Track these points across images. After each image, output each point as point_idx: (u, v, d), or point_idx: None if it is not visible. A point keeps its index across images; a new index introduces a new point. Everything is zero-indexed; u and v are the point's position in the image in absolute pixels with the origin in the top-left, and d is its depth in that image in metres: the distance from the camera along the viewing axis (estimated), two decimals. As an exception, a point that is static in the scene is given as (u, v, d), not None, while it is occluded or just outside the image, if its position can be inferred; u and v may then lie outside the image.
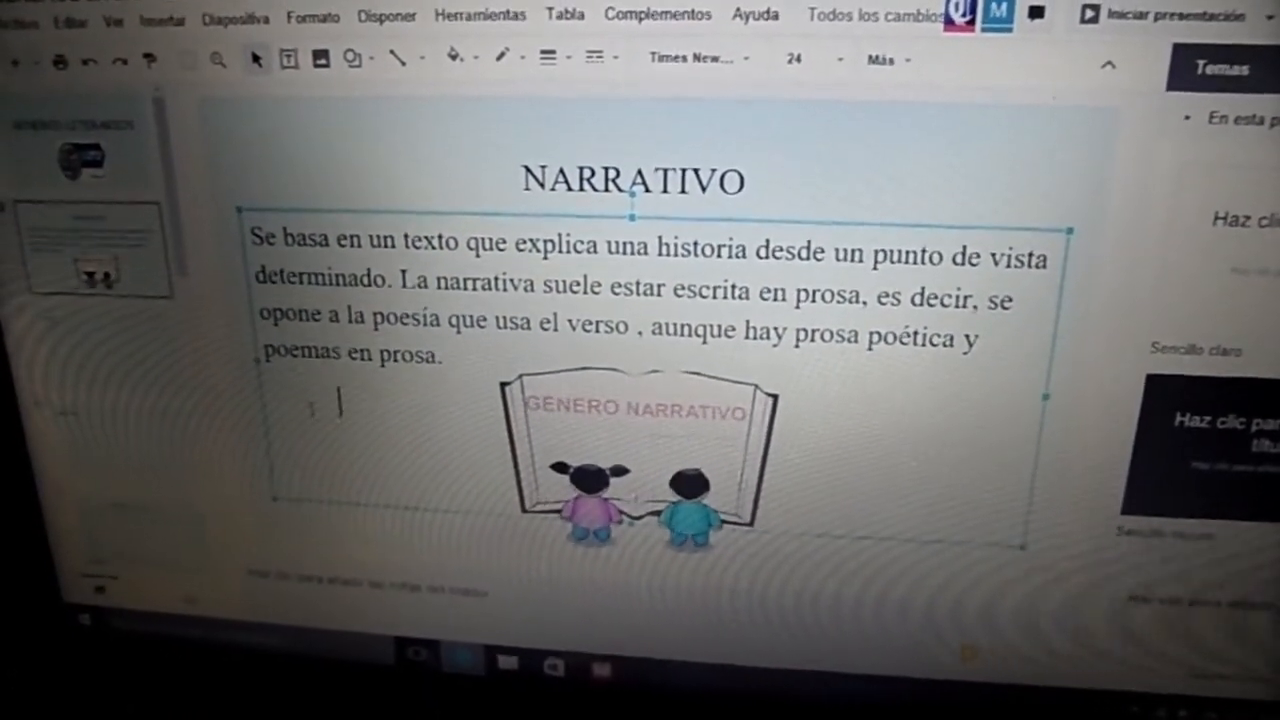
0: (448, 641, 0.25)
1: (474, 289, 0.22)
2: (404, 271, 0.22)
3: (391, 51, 0.20)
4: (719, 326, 0.21)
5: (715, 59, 0.19)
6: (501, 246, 0.21)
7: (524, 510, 0.23)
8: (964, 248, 0.20)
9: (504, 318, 0.22)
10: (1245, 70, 0.18)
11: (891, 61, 0.19)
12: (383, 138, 0.21)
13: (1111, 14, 0.18)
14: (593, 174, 0.20)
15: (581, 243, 0.21)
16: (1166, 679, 0.23)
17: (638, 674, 0.25)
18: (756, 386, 0.22)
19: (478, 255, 0.21)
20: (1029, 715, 0.23)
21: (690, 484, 0.23)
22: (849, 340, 0.21)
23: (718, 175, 0.20)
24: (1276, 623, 0.22)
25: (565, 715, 0.25)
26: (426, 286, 0.22)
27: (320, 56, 0.20)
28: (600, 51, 0.20)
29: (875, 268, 0.20)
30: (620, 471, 0.23)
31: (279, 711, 0.26)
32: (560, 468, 0.23)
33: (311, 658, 0.26)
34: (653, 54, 0.19)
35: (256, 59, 0.21)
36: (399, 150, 0.21)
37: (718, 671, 0.24)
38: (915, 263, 0.20)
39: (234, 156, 0.21)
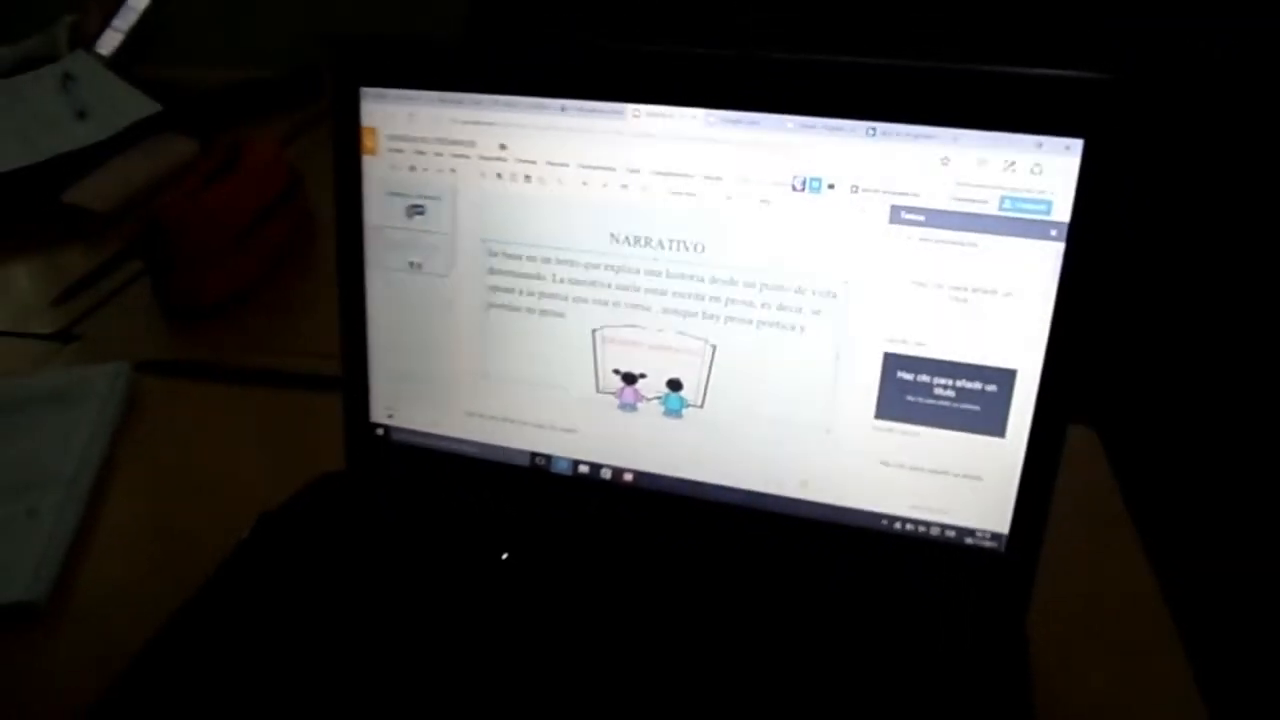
0: (555, 455, 0.51)
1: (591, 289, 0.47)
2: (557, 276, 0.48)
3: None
4: (690, 313, 0.46)
5: (697, 191, 0.44)
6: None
7: (597, 392, 0.49)
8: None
9: (598, 301, 0.47)
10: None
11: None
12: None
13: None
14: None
15: (629, 277, 0.46)
16: (897, 504, 0.46)
17: (643, 479, 0.49)
18: (704, 340, 0.46)
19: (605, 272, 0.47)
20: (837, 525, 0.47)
21: (674, 385, 0.47)
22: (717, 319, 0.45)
23: (696, 242, 0.45)
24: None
25: (608, 498, 0.50)
26: (562, 281, 0.47)
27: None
28: (647, 184, 0.45)
29: (765, 290, 0.45)
30: (643, 377, 0.48)
31: (477, 481, 0.52)
32: (615, 372, 0.48)
33: (491, 459, 0.52)
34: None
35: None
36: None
37: (679, 481, 0.49)
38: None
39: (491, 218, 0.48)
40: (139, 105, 1.10)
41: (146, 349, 0.74)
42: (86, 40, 1.28)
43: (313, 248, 0.90)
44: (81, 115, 1.09)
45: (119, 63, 1.21)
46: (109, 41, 1.25)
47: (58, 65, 1.19)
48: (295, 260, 0.88)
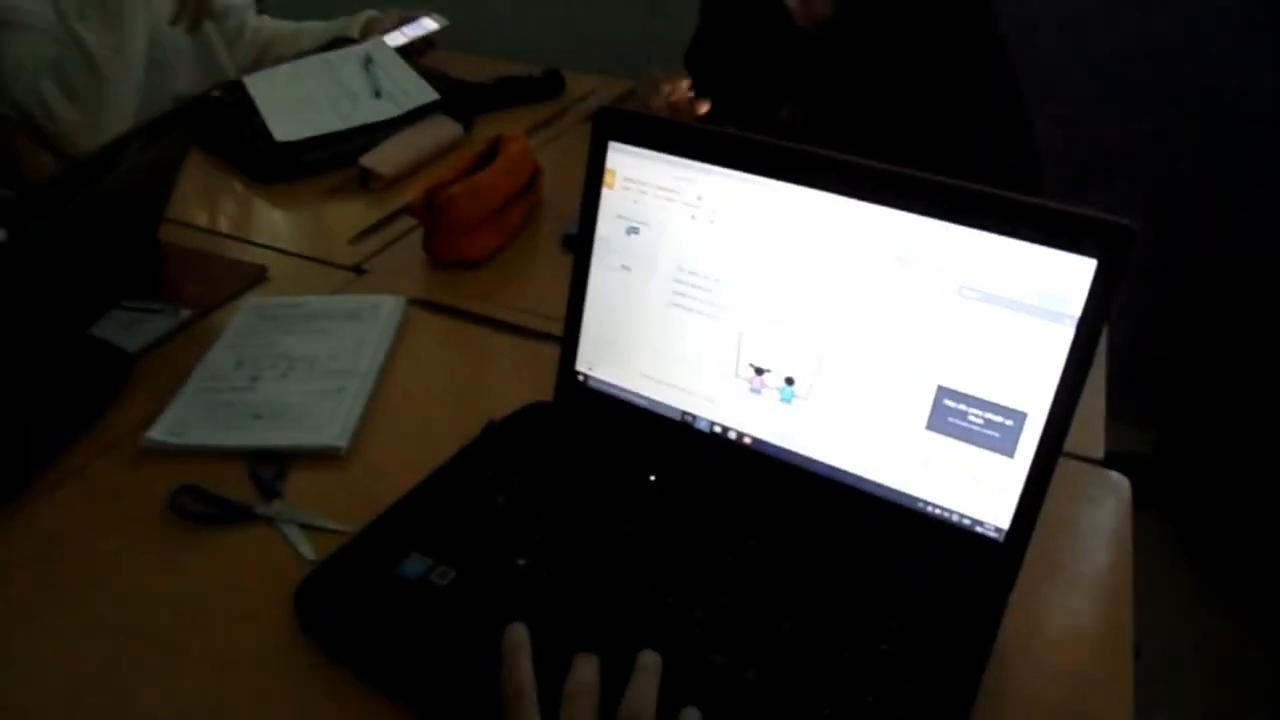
0: (699, 416, 0.71)
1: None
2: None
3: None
4: (808, 334, 0.66)
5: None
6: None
7: (735, 376, 0.69)
8: (890, 327, 0.63)
9: (745, 313, 0.68)
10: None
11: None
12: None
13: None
14: (783, 274, 0.66)
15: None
16: (931, 493, 0.64)
17: (757, 443, 0.70)
18: (815, 355, 0.66)
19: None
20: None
21: (789, 381, 0.67)
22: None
23: (820, 285, 0.64)
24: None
25: (730, 453, 0.71)
26: (723, 295, 0.68)
27: (712, 219, 0.67)
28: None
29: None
30: (769, 371, 0.68)
31: (641, 425, 0.74)
32: (750, 365, 0.68)
33: (654, 411, 0.73)
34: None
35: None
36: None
37: (781, 449, 0.69)
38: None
39: (678, 241, 0.69)
40: (422, 91, 1.37)
41: (415, 288, 1.00)
42: (378, 31, 1.57)
43: (541, 226, 1.14)
44: (378, 94, 1.38)
45: (401, 52, 1.49)
46: (393, 40, 1.54)
47: (361, 48, 1.49)
48: (528, 235, 1.12)
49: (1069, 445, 0.59)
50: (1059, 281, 0.58)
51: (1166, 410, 2.08)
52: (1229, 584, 1.87)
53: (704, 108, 1.21)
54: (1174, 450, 2.07)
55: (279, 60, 1.54)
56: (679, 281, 0.70)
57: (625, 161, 0.70)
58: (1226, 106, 1.86)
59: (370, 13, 1.65)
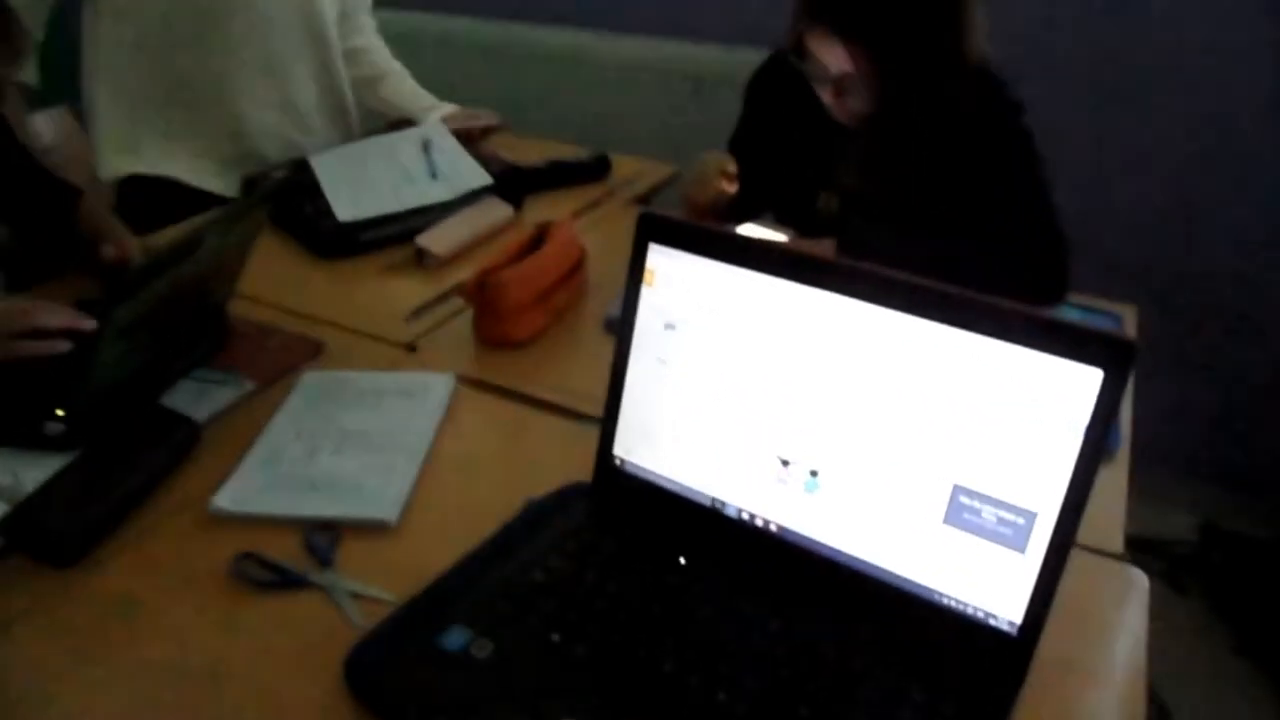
0: (728, 503, 0.76)
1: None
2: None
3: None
4: (831, 435, 0.70)
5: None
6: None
7: (763, 466, 0.73)
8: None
9: (774, 410, 0.72)
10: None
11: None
12: (754, 346, 0.72)
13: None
14: (809, 373, 0.70)
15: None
16: (946, 584, 0.67)
17: (781, 530, 0.73)
18: (838, 453, 0.70)
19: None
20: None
21: (814, 473, 0.71)
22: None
23: (844, 384, 0.69)
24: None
25: (755, 538, 0.74)
26: (755, 393, 0.73)
27: (744, 319, 0.72)
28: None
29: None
30: (794, 463, 0.72)
31: (673, 509, 0.78)
32: (777, 457, 0.72)
33: (685, 496, 0.77)
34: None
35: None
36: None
37: (804, 537, 0.72)
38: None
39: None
40: (476, 176, 1.45)
41: (464, 365, 1.06)
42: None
43: (586, 307, 1.20)
44: (434, 176, 1.46)
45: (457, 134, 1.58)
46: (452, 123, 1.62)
47: (419, 131, 1.57)
48: (573, 316, 1.18)
49: (1088, 539, 0.62)
50: (1069, 390, 0.62)
51: (1214, 496, 2.07)
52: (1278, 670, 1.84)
53: (732, 188, 1.28)
54: (1221, 536, 2.05)
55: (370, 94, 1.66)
56: (713, 377, 0.74)
57: (665, 262, 0.75)
58: None
59: (447, 110, 1.72)
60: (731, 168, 1.29)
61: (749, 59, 1.59)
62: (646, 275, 0.76)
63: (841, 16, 1.12)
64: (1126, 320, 1.22)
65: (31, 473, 0.83)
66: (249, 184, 1.50)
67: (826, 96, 1.22)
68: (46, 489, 0.81)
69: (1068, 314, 1.16)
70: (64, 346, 0.96)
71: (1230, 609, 1.93)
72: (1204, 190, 1.94)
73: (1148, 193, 1.98)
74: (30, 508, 0.79)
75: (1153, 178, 1.96)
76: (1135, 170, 1.97)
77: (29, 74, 1.42)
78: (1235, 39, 1.82)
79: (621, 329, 0.78)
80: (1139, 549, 2.02)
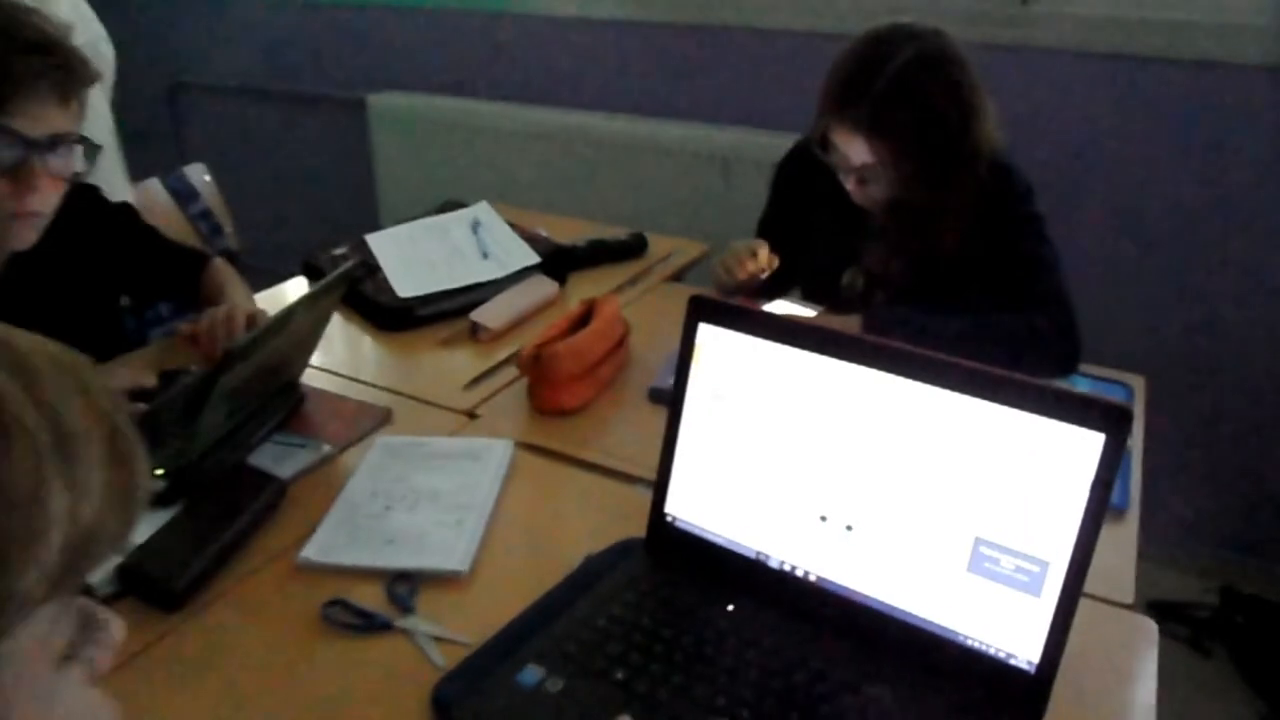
0: (771, 555, 0.84)
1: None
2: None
3: (802, 393, 0.81)
4: (866, 494, 0.78)
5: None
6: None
7: (803, 520, 0.82)
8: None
9: (815, 471, 0.81)
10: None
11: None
12: (793, 413, 0.81)
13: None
14: (843, 437, 0.79)
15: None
16: (969, 627, 0.75)
17: (820, 579, 0.81)
18: (872, 511, 0.78)
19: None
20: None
21: (849, 528, 0.80)
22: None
23: (875, 447, 0.77)
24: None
25: (798, 587, 0.82)
26: (797, 455, 0.81)
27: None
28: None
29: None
30: (831, 518, 0.80)
31: (721, 561, 0.86)
32: (815, 514, 0.81)
33: (732, 549, 0.86)
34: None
35: (769, 385, 0.82)
36: (797, 417, 0.81)
37: (840, 586, 0.80)
38: (921, 485, 0.76)
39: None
40: (524, 254, 1.56)
41: (520, 431, 1.15)
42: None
43: (630, 378, 1.29)
44: (485, 255, 1.57)
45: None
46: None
47: (469, 212, 1.69)
48: (618, 386, 1.27)
49: (1101, 590, 0.69)
50: (1074, 451, 0.70)
51: (1231, 560, 2.12)
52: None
53: (774, 264, 1.39)
54: (1241, 600, 2.09)
55: None
56: (755, 441, 0.83)
57: (711, 340, 0.85)
58: None
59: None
60: (764, 251, 1.39)
61: (775, 142, 1.71)
62: (695, 351, 0.86)
63: (864, 114, 1.23)
64: (1136, 390, 1.30)
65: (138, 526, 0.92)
66: (308, 265, 1.61)
67: (849, 184, 1.33)
68: (154, 540, 0.90)
69: (1078, 385, 1.24)
70: (142, 408, 1.07)
71: (1255, 674, 1.96)
72: (1212, 260, 2.02)
73: (1158, 265, 2.06)
74: (141, 557, 0.88)
75: (1161, 252, 2.05)
76: (1142, 243, 2.06)
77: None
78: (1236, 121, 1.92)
79: (674, 399, 0.87)
80: (1161, 613, 2.06)
